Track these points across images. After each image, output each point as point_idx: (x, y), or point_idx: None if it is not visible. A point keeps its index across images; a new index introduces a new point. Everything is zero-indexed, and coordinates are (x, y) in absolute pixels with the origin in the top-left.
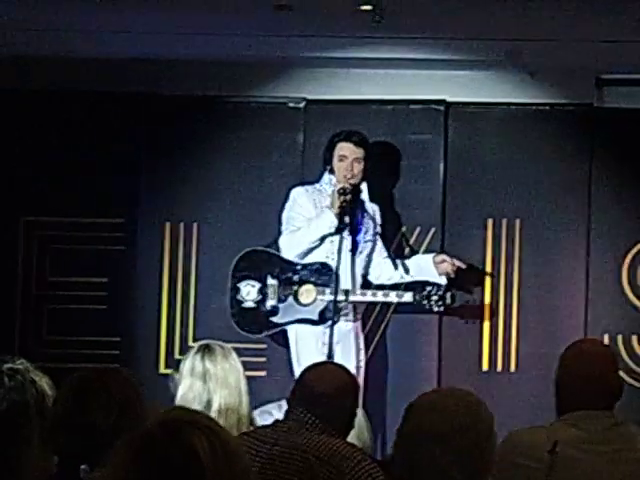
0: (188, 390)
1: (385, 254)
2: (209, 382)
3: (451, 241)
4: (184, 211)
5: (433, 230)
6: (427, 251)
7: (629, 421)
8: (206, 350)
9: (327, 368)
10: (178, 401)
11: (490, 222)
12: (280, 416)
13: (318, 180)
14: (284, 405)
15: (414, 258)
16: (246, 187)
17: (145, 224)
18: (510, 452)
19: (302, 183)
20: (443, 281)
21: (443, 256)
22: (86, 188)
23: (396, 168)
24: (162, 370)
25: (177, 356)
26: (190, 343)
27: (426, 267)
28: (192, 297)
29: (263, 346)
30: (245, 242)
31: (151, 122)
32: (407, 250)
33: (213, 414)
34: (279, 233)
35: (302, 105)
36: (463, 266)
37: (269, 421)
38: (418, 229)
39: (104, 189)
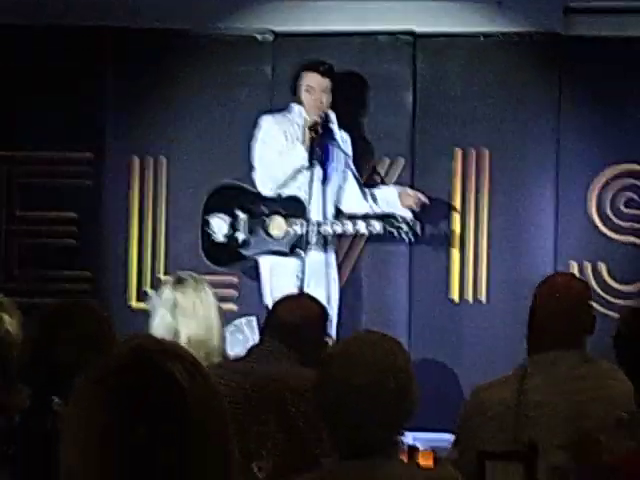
0: (159, 321)
1: (355, 184)
2: (178, 314)
3: (420, 171)
4: (152, 145)
5: (402, 161)
6: (397, 182)
7: (599, 351)
8: (178, 282)
9: (298, 299)
10: (151, 331)
11: (459, 152)
12: (250, 332)
13: (286, 109)
14: (253, 321)
15: (380, 190)
16: (215, 120)
17: (113, 158)
18: (478, 408)
19: (271, 111)
20: (408, 214)
21: (408, 190)
22: (54, 123)
23: (364, 99)
24: (133, 304)
25: (148, 289)
26: (161, 277)
27: (391, 200)
28: (162, 231)
29: (235, 279)
30: (214, 175)
31: (118, 56)
32: (378, 180)
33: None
34: (250, 165)
35: (270, 38)
36: (427, 201)
37: (240, 338)
38: (387, 160)
39: (72, 124)
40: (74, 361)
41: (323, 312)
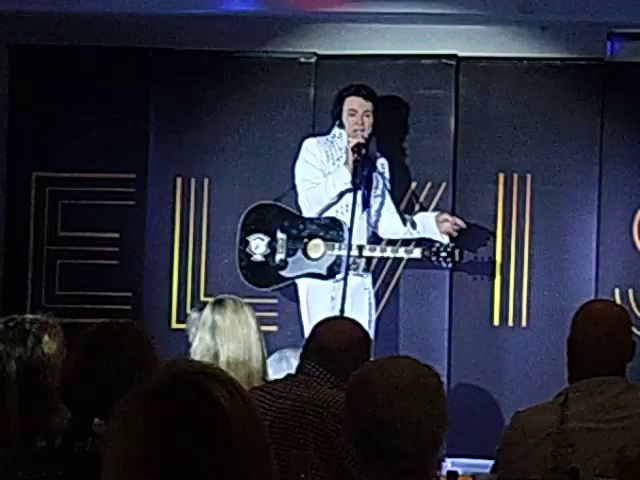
0: (198, 343)
1: (394, 209)
2: (217, 335)
3: (462, 196)
4: (195, 166)
5: (444, 185)
6: (438, 207)
7: None
8: (217, 304)
9: (339, 322)
10: (191, 354)
11: (501, 177)
12: (295, 361)
13: (328, 132)
14: (300, 349)
15: (418, 215)
16: (257, 141)
17: (156, 179)
18: (519, 434)
19: (314, 134)
20: (445, 240)
21: (445, 215)
22: (97, 143)
23: (406, 123)
24: (174, 325)
25: (189, 311)
26: (202, 298)
27: (429, 225)
28: (203, 252)
29: (274, 301)
30: (256, 196)
31: (163, 77)
32: (417, 206)
33: (221, 367)
34: (291, 186)
35: (313, 60)
36: (464, 226)
37: (285, 366)
38: (429, 184)
39: (115, 144)
40: (116, 383)
41: (365, 336)
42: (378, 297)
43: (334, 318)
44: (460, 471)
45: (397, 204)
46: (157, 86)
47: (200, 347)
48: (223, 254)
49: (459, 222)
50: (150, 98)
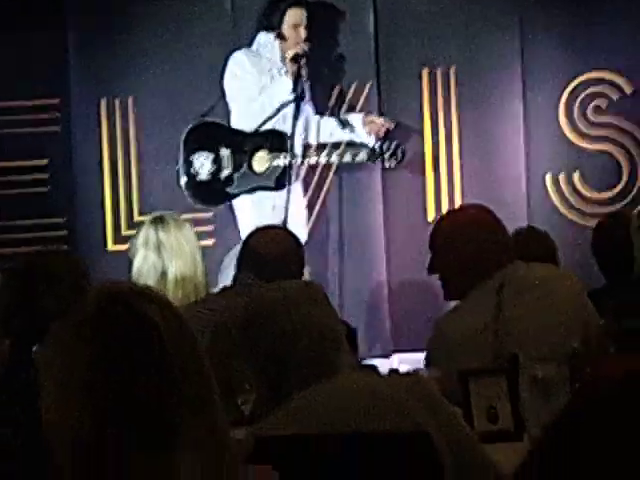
0: (143, 262)
1: (328, 112)
2: (163, 253)
3: (388, 94)
4: (118, 86)
5: (369, 84)
6: (363, 108)
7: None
8: (159, 221)
9: (272, 232)
10: (133, 274)
11: (425, 72)
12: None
13: (250, 44)
14: None
15: (347, 117)
16: (179, 57)
17: (79, 101)
18: (444, 338)
19: (238, 48)
20: (372, 141)
21: (371, 116)
22: (16, 72)
23: (330, 25)
24: (110, 247)
25: (124, 232)
26: (136, 218)
27: (356, 126)
28: (134, 172)
29: (209, 215)
30: (182, 113)
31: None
32: (345, 106)
33: (169, 284)
34: (219, 100)
35: None
36: (391, 126)
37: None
38: (354, 85)
39: (35, 71)
40: (53, 310)
41: (299, 245)
42: (312, 204)
43: (266, 227)
44: (406, 367)
45: (329, 108)
46: (73, 4)
47: (145, 266)
48: (154, 173)
49: (384, 122)
50: (66, 20)
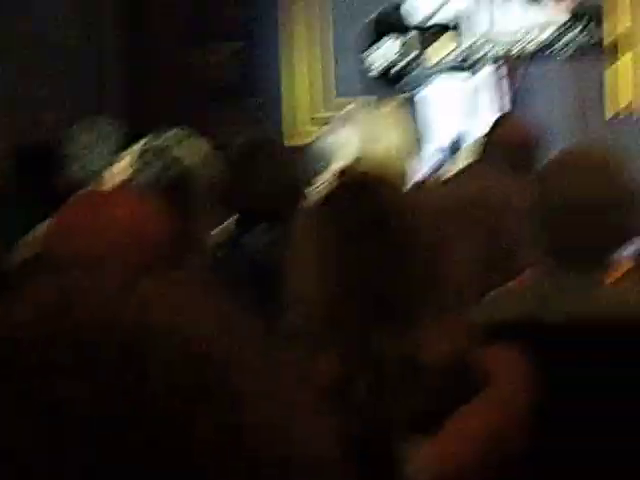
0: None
1: None
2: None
3: None
4: None
5: None
6: None
7: None
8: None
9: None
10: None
11: None
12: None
13: None
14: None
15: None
16: None
17: None
18: None
19: None
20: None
21: None
22: None
23: None
24: (306, 128)
25: (319, 114)
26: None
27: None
28: (329, 56)
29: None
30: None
31: None
32: None
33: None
34: None
35: None
36: None
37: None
38: None
39: None
40: (277, 191)
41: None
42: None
43: (507, 115)
44: None
45: None
46: None
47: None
48: (347, 59)
49: None
50: None
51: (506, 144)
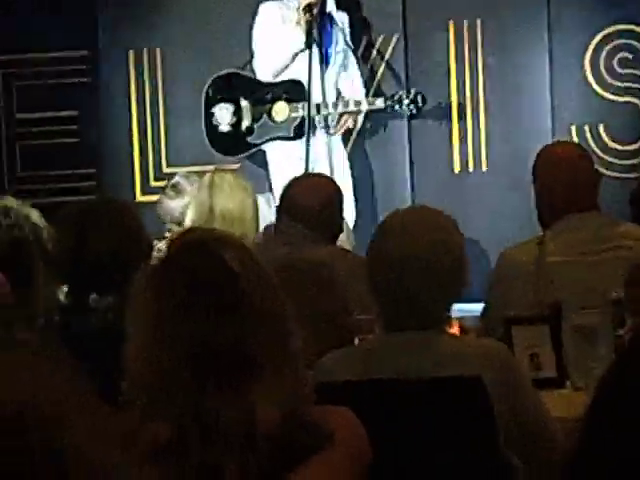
0: (194, 201)
1: (356, 69)
2: (214, 192)
3: (414, 46)
4: (146, 37)
5: (396, 36)
6: (390, 59)
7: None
8: (217, 171)
9: (311, 181)
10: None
11: (451, 24)
12: (266, 208)
13: None
14: (271, 198)
15: None
16: (208, 9)
17: (108, 54)
18: (505, 270)
19: None
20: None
21: None
22: (46, 24)
23: None
24: (139, 198)
25: (152, 183)
26: (164, 169)
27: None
28: (162, 123)
29: (236, 166)
30: (213, 65)
31: None
32: (373, 54)
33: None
34: (247, 53)
35: None
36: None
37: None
38: (381, 37)
39: (65, 23)
40: (115, 256)
41: (337, 190)
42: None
43: (305, 176)
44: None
45: (358, 59)
46: None
47: (194, 203)
48: (183, 124)
49: None
50: None
51: (296, 207)
